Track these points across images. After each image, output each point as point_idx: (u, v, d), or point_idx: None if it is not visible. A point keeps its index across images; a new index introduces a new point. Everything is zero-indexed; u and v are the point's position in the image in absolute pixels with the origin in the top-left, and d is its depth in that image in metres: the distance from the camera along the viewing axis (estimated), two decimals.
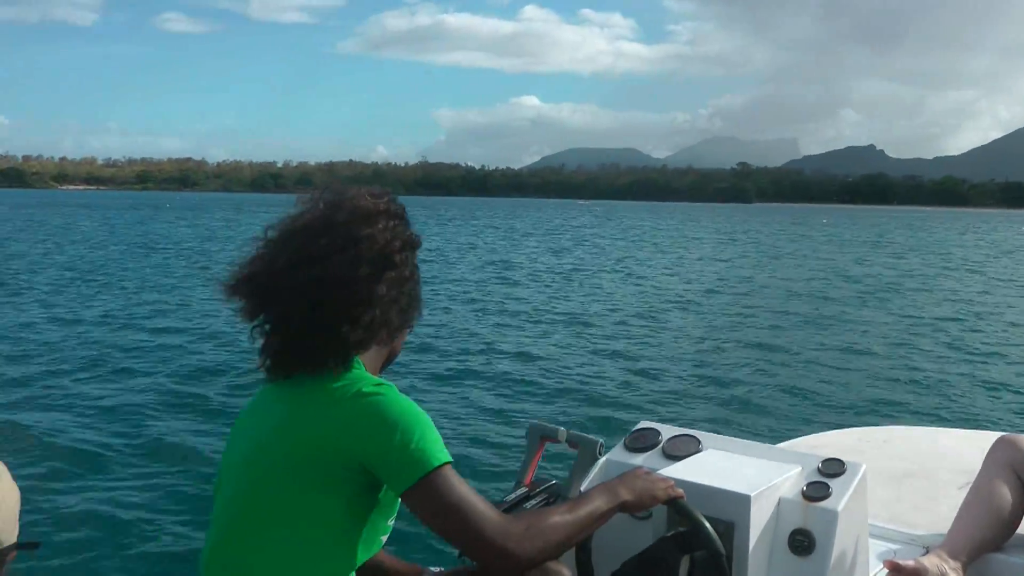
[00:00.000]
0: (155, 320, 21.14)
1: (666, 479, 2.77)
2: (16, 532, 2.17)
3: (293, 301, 2.46)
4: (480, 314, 23.55)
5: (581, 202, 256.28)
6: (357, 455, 2.37)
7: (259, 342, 2.54)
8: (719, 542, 2.73)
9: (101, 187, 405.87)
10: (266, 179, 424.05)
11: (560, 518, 2.43)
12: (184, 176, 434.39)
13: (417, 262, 2.64)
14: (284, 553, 2.42)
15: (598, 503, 2.54)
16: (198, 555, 2.65)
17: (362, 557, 2.53)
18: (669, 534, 2.86)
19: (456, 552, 2.56)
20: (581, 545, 2.85)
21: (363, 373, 2.48)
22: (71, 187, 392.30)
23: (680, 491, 2.75)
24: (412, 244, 2.56)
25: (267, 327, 2.52)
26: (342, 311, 2.42)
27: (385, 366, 2.70)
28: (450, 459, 2.36)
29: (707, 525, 2.73)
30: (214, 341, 17.84)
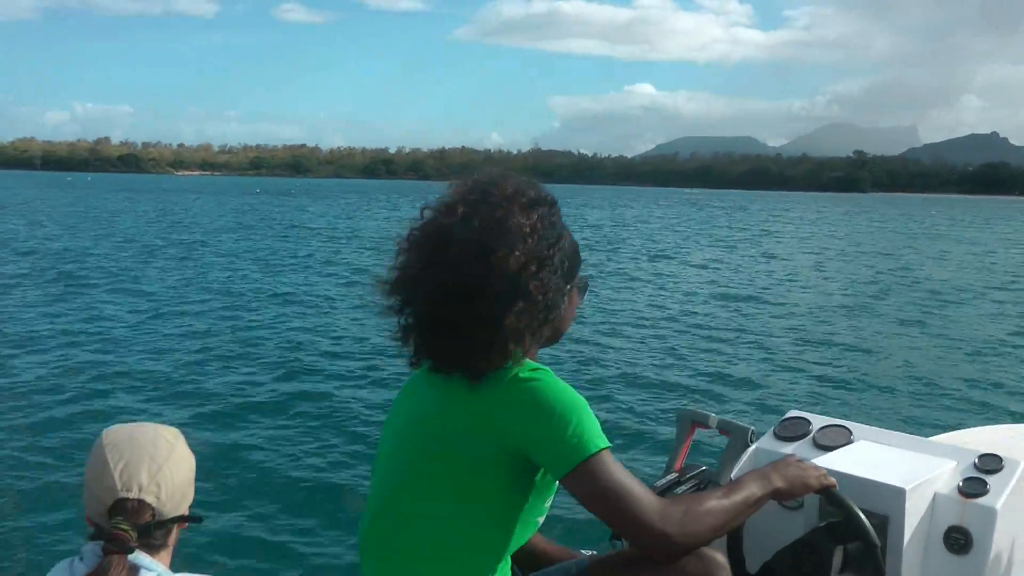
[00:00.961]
0: (305, 304, 21.84)
1: (818, 467, 2.71)
2: (189, 502, 2.25)
3: (422, 305, 2.47)
4: (630, 299, 23.57)
5: (686, 191, 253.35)
6: (515, 440, 2.35)
7: (406, 335, 2.55)
8: (874, 533, 2.66)
9: (215, 173, 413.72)
10: (377, 165, 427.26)
11: (716, 503, 2.40)
12: (296, 162, 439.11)
13: (571, 256, 2.58)
14: (439, 533, 2.43)
15: (752, 489, 2.50)
16: (355, 534, 2.69)
17: (519, 539, 2.52)
18: (822, 524, 2.81)
19: (608, 536, 2.63)
20: (733, 533, 2.80)
21: (519, 358, 2.44)
22: (186, 173, 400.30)
23: (832, 480, 2.69)
24: (550, 260, 2.46)
25: (408, 322, 2.53)
26: (467, 330, 2.38)
27: (549, 344, 2.65)
28: (608, 444, 2.34)
29: (861, 515, 2.67)
30: (372, 326, 17.50)
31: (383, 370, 13.94)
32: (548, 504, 2.57)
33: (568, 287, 2.57)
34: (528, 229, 2.41)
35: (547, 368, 2.44)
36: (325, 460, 9.75)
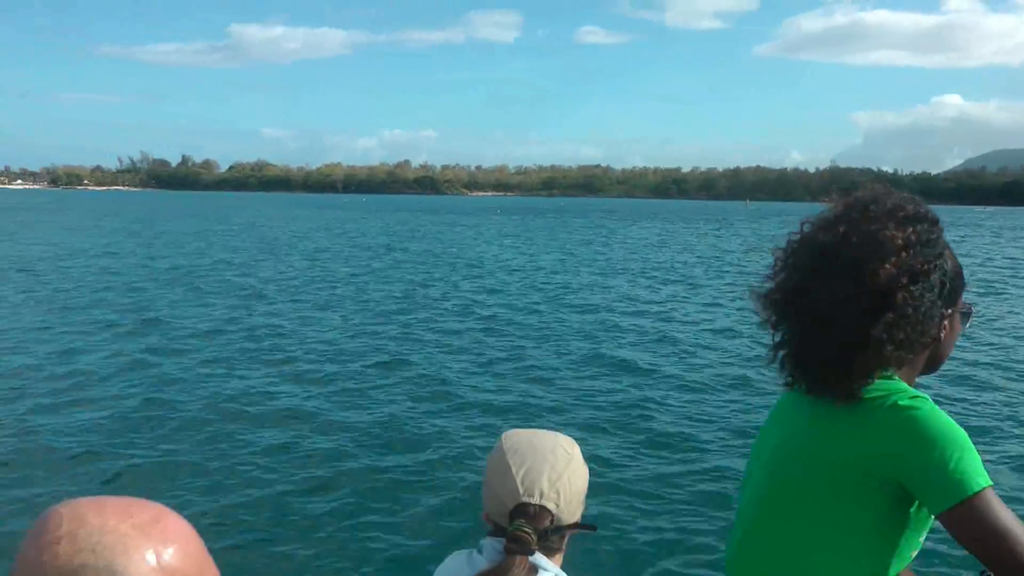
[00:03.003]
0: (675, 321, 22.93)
1: None
2: (582, 510, 2.30)
3: (796, 322, 2.46)
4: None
5: (976, 209, 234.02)
6: (891, 470, 2.29)
7: (779, 352, 2.53)
8: None
9: (508, 193, 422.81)
10: (668, 185, 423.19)
11: None
12: (588, 182, 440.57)
13: (953, 278, 2.50)
14: (809, 562, 2.41)
15: None
16: (721, 557, 2.75)
17: (891, 572, 2.43)
18: None
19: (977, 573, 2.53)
20: None
21: (897, 384, 2.40)
22: (479, 193, 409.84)
23: None
24: (925, 276, 2.38)
25: (782, 340, 2.52)
26: (836, 345, 2.35)
27: (927, 372, 2.60)
28: (990, 483, 2.24)
29: None
30: (742, 339, 19.35)
31: (754, 390, 14.46)
32: (923, 539, 2.48)
33: (948, 311, 2.50)
34: (901, 242, 2.36)
35: (926, 397, 2.36)
36: (693, 478, 10.09)
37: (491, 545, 2.20)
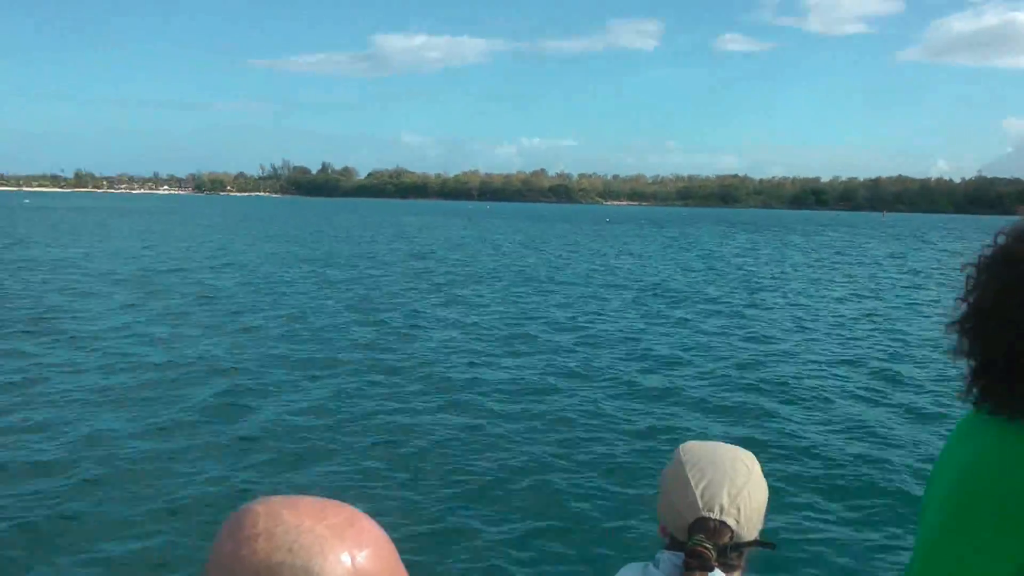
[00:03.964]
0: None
1: None
2: (761, 527, 2.23)
3: (989, 340, 2.28)
4: None
5: None
6: None
7: (973, 374, 2.35)
8: None
9: (643, 203, 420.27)
10: (807, 195, 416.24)
11: None
12: (724, 192, 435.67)
13: None
14: None
15: None
16: None
17: None
18: None
19: None
20: None
21: None
22: (614, 203, 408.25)
23: None
24: None
25: (973, 358, 2.34)
26: None
27: None
28: None
29: None
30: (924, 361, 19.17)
31: (937, 414, 14.17)
32: None
33: None
34: None
35: None
36: (871, 504, 9.99)
37: (668, 559, 2.13)
